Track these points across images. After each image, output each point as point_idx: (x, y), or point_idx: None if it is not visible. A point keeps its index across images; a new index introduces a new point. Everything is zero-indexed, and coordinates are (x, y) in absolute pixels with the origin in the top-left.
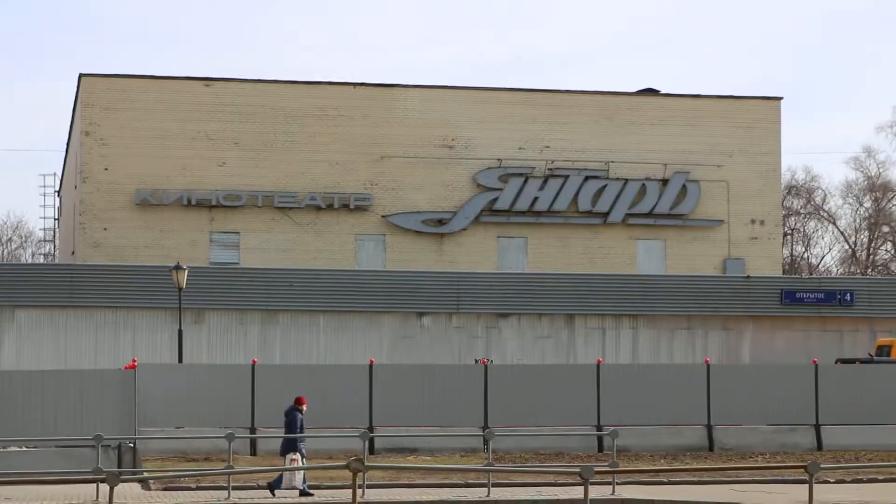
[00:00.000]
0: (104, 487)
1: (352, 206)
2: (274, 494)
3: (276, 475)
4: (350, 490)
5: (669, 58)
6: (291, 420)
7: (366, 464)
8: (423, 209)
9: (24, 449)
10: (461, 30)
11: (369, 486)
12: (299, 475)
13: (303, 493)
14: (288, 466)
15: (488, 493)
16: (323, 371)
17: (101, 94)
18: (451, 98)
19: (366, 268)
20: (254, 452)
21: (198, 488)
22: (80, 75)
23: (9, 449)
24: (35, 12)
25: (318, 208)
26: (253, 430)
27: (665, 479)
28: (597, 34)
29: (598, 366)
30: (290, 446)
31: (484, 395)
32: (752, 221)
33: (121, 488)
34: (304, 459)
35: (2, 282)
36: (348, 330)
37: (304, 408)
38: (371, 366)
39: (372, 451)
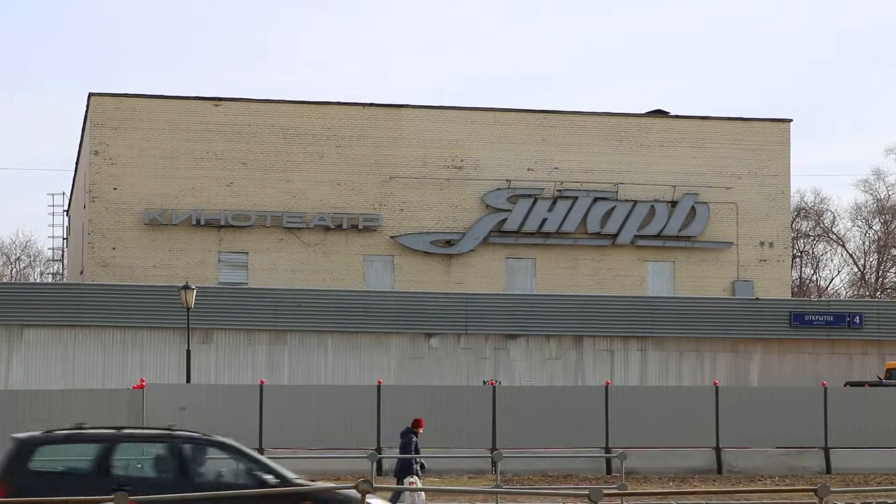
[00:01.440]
0: None
1: (360, 227)
2: None
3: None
4: None
5: (678, 78)
6: (407, 442)
7: (374, 485)
8: (431, 230)
9: None
10: (469, 49)
11: None
12: (421, 496)
13: None
14: (407, 486)
15: None
16: (331, 392)
17: (110, 113)
18: (459, 118)
19: (374, 288)
20: None
21: None
22: (90, 94)
23: None
24: (44, 30)
25: (327, 229)
26: (261, 450)
27: (674, 502)
28: (605, 54)
29: (606, 387)
30: (407, 469)
31: (492, 417)
32: (761, 244)
33: None
34: (421, 481)
35: (10, 301)
36: (356, 350)
37: (421, 430)
38: (379, 387)
39: (380, 472)
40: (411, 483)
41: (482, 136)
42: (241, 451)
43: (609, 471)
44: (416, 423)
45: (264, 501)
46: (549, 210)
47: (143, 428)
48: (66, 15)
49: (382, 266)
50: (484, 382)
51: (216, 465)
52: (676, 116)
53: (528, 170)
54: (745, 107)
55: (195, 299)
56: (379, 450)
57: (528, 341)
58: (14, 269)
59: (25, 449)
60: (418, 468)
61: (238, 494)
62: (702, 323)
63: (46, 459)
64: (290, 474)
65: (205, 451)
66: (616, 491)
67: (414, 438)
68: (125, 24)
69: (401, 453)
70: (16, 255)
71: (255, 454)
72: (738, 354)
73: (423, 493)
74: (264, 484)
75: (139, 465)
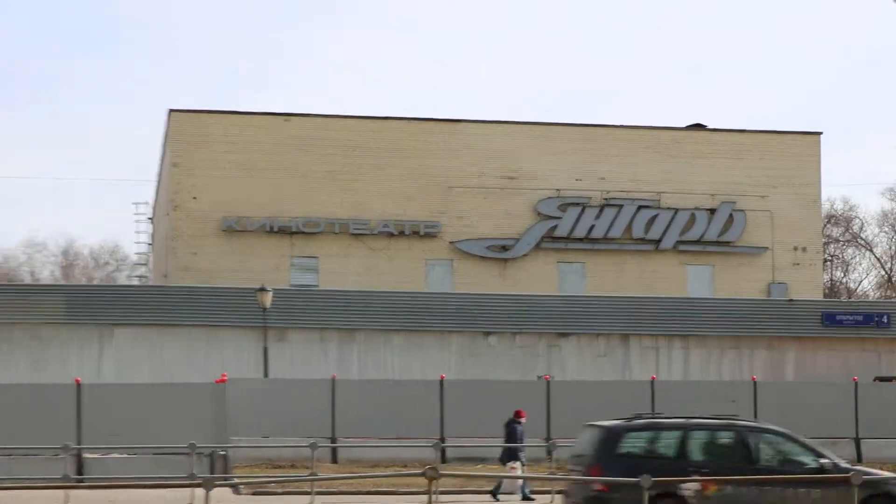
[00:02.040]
0: (199, 492)
1: (422, 233)
2: (497, 499)
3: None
4: (426, 496)
5: (715, 92)
6: (511, 431)
7: (439, 472)
8: (487, 236)
9: (125, 456)
10: (520, 67)
11: (442, 493)
12: (518, 481)
13: (525, 498)
14: (509, 474)
15: (552, 500)
16: (397, 386)
17: (188, 128)
18: (512, 132)
19: (435, 290)
20: (335, 460)
21: (284, 493)
22: (170, 111)
23: (110, 455)
24: (125, 51)
25: (391, 235)
26: (334, 439)
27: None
28: (646, 69)
29: (652, 382)
30: (510, 455)
31: (546, 409)
32: (795, 248)
33: (214, 493)
34: (524, 467)
35: (101, 302)
36: (420, 348)
37: (524, 420)
38: (442, 381)
39: (444, 459)
40: (513, 468)
41: (534, 148)
42: (794, 438)
43: None
44: (518, 414)
45: (818, 485)
46: (597, 217)
47: (709, 418)
48: (149, 38)
49: (443, 270)
50: (538, 377)
51: (773, 449)
52: (714, 130)
53: (577, 180)
54: (779, 118)
55: (271, 300)
56: (443, 439)
57: (579, 339)
58: (103, 273)
59: (613, 436)
60: (522, 455)
61: (802, 479)
62: (740, 322)
63: (630, 445)
64: (840, 460)
65: (763, 437)
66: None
67: (518, 427)
68: (200, 45)
69: (505, 441)
70: (104, 259)
71: (807, 440)
72: (773, 351)
73: (520, 480)
74: (820, 468)
75: (709, 450)
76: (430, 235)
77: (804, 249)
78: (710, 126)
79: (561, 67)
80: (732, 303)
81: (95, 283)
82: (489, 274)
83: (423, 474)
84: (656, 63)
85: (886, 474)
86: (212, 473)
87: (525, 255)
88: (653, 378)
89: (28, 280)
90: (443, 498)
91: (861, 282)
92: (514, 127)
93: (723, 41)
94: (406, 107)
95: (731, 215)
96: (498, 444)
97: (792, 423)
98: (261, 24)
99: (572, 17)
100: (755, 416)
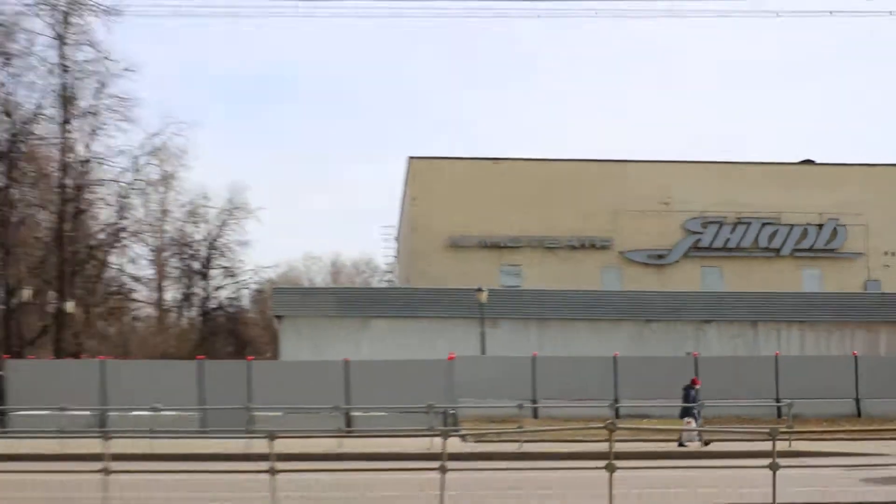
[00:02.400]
0: (437, 440)
1: (598, 246)
2: (683, 445)
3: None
4: (607, 443)
5: (819, 127)
6: (686, 394)
7: (616, 426)
8: (648, 247)
9: (381, 413)
10: (669, 114)
11: (617, 441)
12: (693, 433)
13: (705, 445)
14: (685, 428)
15: (701, 445)
16: (583, 361)
17: (423, 170)
18: (666, 168)
19: (608, 289)
20: (535, 416)
21: (499, 441)
22: (409, 158)
23: (370, 413)
24: (369, 106)
25: (574, 247)
26: (535, 401)
27: (828, 437)
28: (769, 114)
29: (776, 357)
30: (686, 413)
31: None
32: (885, 253)
33: (448, 441)
34: (697, 422)
35: (360, 300)
36: (598, 332)
37: (699, 387)
38: (615, 357)
39: (617, 416)
40: (687, 423)
41: (683, 180)
42: None
43: (779, 415)
44: (694, 381)
45: None
46: (731, 232)
47: None
48: (386, 98)
49: (614, 274)
50: (687, 354)
51: None
52: (821, 164)
53: (716, 204)
54: (870, 147)
55: (486, 298)
56: (616, 400)
57: (718, 325)
58: (361, 279)
59: None
60: (696, 412)
61: None
62: (843, 311)
63: None
64: None
65: None
66: (786, 430)
67: (692, 392)
68: (425, 103)
69: (683, 402)
70: (361, 269)
71: None
72: (870, 333)
73: (695, 431)
74: None
75: None
76: (603, 248)
77: (893, 254)
78: (818, 161)
79: (700, 114)
80: (838, 296)
81: (356, 286)
82: (649, 276)
83: (605, 427)
84: (777, 108)
85: None
86: (444, 427)
87: (676, 262)
88: (776, 354)
89: (307, 284)
90: (618, 445)
91: None
92: (667, 164)
93: (829, 89)
94: (585, 149)
95: (835, 229)
96: (658, 404)
97: (888, 385)
98: (471, 82)
99: (709, 77)
100: (856, 381)
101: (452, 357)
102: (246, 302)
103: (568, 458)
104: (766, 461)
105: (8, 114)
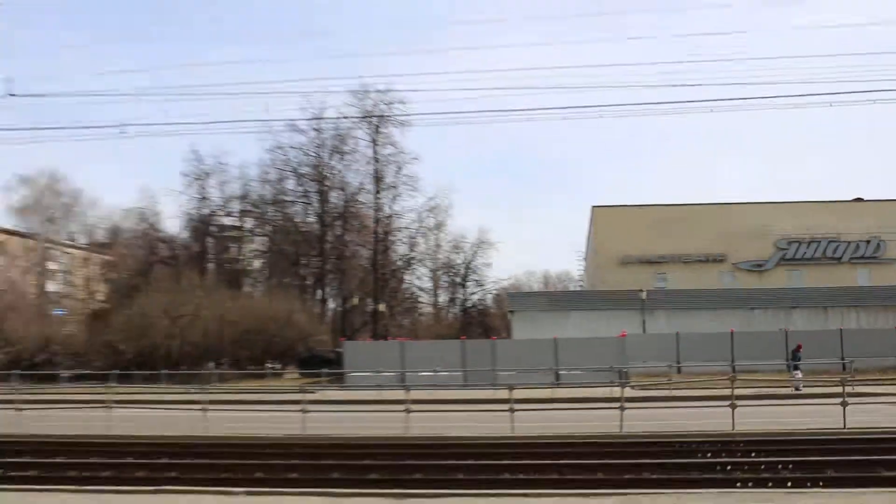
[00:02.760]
0: (616, 389)
1: (717, 260)
2: (798, 389)
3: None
4: (729, 390)
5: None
6: (794, 355)
7: (736, 377)
8: (751, 259)
9: (579, 372)
10: (758, 163)
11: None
12: (799, 383)
13: (795, 389)
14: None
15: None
16: (709, 336)
17: (601, 214)
18: (764, 207)
19: (725, 288)
20: (679, 372)
21: (656, 388)
22: (592, 207)
23: (571, 372)
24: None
25: (701, 261)
26: (678, 362)
27: (880, 383)
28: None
29: (840, 331)
30: (794, 367)
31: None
32: None
33: (625, 390)
34: (800, 373)
35: (563, 300)
36: (719, 317)
37: (801, 351)
38: (731, 333)
39: (733, 372)
40: (796, 374)
41: (774, 213)
42: None
43: (844, 369)
44: (798, 347)
45: None
46: (807, 248)
47: None
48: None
49: (728, 277)
50: (780, 329)
51: None
52: (867, 200)
53: (796, 228)
54: None
55: (645, 296)
56: (733, 361)
57: (801, 310)
58: (561, 285)
59: None
60: (798, 364)
61: None
62: (886, 298)
63: None
64: None
65: None
66: (849, 378)
67: (798, 354)
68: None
69: (791, 360)
70: (562, 278)
71: None
72: None
73: (799, 381)
74: None
75: None
76: (721, 261)
77: None
78: (865, 198)
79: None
80: (881, 289)
81: (559, 290)
82: (753, 279)
83: (728, 378)
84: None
85: None
86: (620, 380)
87: (771, 269)
88: (840, 328)
89: (527, 290)
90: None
91: None
92: (764, 204)
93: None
94: (707, 190)
95: (878, 244)
96: (761, 365)
97: None
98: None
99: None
100: None
101: (624, 335)
102: (490, 302)
103: (702, 399)
104: (839, 400)
105: (343, 189)
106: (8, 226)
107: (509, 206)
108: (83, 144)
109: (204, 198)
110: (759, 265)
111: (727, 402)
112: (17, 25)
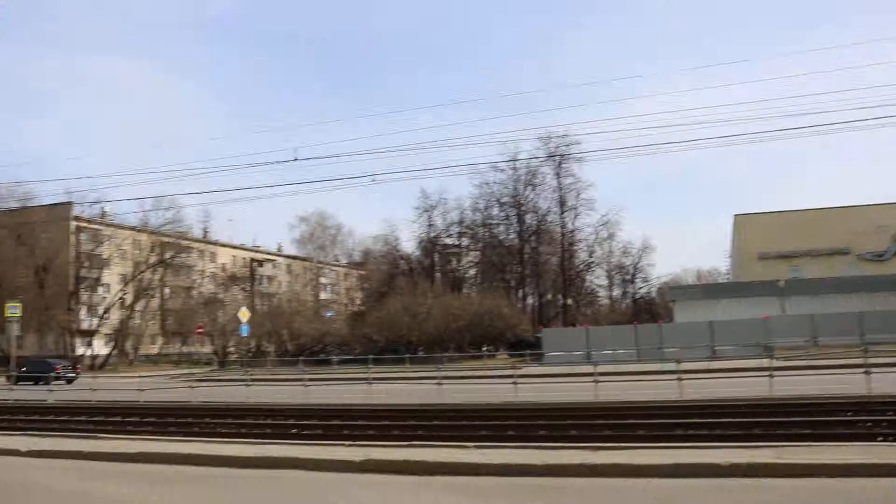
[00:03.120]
0: (764, 360)
1: (843, 252)
2: None
3: None
4: (863, 359)
5: None
6: None
7: (868, 348)
8: (871, 251)
9: (731, 347)
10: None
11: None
12: None
13: None
14: None
15: None
16: (836, 316)
17: (742, 220)
18: (884, 207)
19: (851, 276)
20: (816, 345)
21: (797, 359)
22: (735, 215)
23: (725, 347)
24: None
25: (829, 254)
26: (815, 337)
27: None
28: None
29: None
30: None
31: None
32: None
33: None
34: None
35: (714, 290)
36: (846, 301)
37: None
38: (860, 313)
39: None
40: None
41: (892, 212)
42: None
43: None
44: None
45: None
46: None
47: None
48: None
49: (854, 266)
50: None
51: None
52: None
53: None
54: None
55: (783, 284)
56: (863, 334)
57: None
58: (711, 278)
59: None
60: None
61: None
62: None
63: None
64: None
65: None
66: None
67: None
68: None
69: None
70: (712, 273)
71: None
72: None
73: None
74: None
75: None
76: (846, 253)
77: None
78: None
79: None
80: None
81: (711, 283)
82: (873, 266)
83: (861, 349)
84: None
85: None
86: (766, 353)
87: (889, 259)
88: None
89: (685, 283)
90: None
91: None
92: (882, 206)
93: None
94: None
95: None
96: (887, 338)
97: None
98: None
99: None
100: None
101: (766, 316)
102: (654, 294)
103: (839, 368)
104: None
105: (535, 212)
106: (292, 253)
107: (668, 216)
108: (343, 191)
109: (431, 224)
110: (880, 255)
111: (862, 370)
112: (298, 92)
